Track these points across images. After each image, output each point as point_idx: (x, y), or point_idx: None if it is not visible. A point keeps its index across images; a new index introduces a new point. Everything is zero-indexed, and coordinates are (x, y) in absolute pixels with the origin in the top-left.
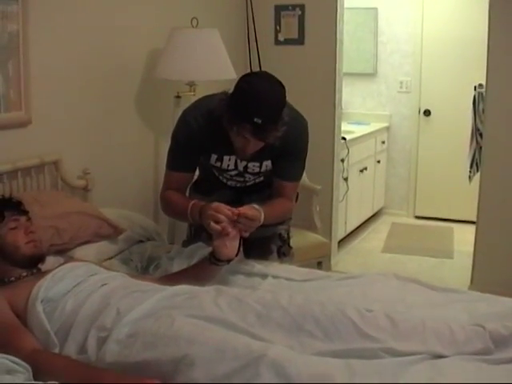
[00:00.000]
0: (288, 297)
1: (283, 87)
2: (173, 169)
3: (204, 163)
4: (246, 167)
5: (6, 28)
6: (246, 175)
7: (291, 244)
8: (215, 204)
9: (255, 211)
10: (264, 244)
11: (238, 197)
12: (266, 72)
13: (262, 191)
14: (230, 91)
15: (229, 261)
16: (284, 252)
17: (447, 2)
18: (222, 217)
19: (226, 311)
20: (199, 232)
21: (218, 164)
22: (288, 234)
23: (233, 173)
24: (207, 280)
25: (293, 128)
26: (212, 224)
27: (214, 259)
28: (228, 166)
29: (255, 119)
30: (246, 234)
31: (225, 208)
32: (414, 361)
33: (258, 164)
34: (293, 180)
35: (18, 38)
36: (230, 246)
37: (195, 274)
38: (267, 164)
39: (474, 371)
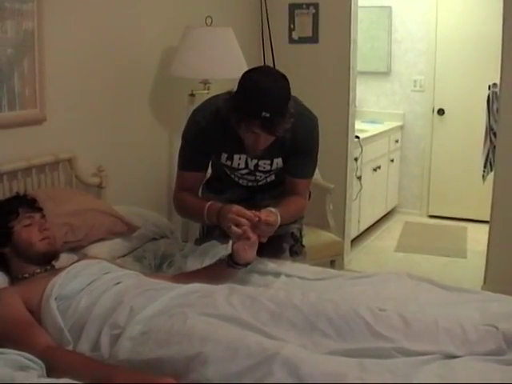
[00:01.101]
0: (301, 295)
1: (286, 80)
2: (184, 169)
3: (215, 162)
4: (256, 165)
5: (22, 26)
6: (257, 174)
7: (304, 243)
8: (236, 207)
9: (274, 216)
10: (276, 243)
11: (250, 195)
12: (267, 66)
13: (275, 189)
14: (234, 90)
15: (246, 264)
16: (296, 251)
17: (461, 1)
18: (243, 220)
19: (239, 309)
20: (212, 230)
21: (229, 163)
22: (300, 233)
23: (243, 171)
24: (222, 282)
25: (302, 124)
26: (233, 228)
27: (232, 262)
28: (238, 164)
29: (263, 113)
30: (264, 239)
31: (246, 211)
32: (426, 360)
33: (268, 162)
34: (305, 177)
35: (33, 36)
36: (249, 250)
37: (211, 275)
38: (278, 162)
39: (487, 371)
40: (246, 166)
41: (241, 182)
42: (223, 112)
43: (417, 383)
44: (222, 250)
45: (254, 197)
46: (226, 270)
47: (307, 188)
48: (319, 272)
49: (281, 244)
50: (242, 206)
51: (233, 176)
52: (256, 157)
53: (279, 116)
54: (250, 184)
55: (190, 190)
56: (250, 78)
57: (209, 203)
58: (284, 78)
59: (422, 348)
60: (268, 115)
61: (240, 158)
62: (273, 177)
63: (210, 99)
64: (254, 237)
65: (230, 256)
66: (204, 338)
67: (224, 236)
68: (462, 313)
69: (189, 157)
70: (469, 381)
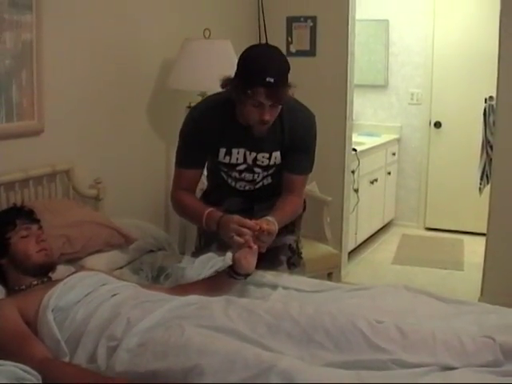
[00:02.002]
0: (298, 308)
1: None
2: (181, 166)
3: (212, 166)
4: (255, 159)
5: (20, 37)
6: (255, 169)
7: (302, 255)
8: (236, 217)
9: (272, 225)
10: (273, 255)
11: (248, 205)
12: (264, 43)
13: (272, 199)
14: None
15: (247, 275)
16: (294, 262)
17: (458, 15)
18: (245, 230)
19: (237, 322)
20: (209, 242)
21: (227, 159)
22: (297, 245)
23: (242, 167)
24: (220, 293)
25: (300, 121)
26: (236, 237)
27: (233, 272)
28: (237, 159)
29: (267, 79)
30: (263, 250)
31: (247, 220)
32: (423, 372)
33: (267, 155)
34: (301, 173)
35: (31, 47)
36: (250, 259)
37: (209, 287)
38: (276, 156)
39: (484, 383)
40: (245, 161)
41: (238, 186)
42: (221, 104)
43: None
44: (219, 261)
45: (251, 208)
46: (225, 281)
47: (303, 185)
48: (316, 284)
49: (278, 256)
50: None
51: (230, 180)
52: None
53: (282, 82)
54: (247, 188)
55: (188, 189)
56: (250, 50)
57: (208, 210)
58: (280, 50)
59: (420, 360)
60: (272, 80)
61: (238, 152)
62: (270, 179)
63: (206, 97)
64: (255, 246)
65: (231, 266)
66: (201, 350)
67: (221, 248)
68: (459, 325)
69: (186, 154)
70: None
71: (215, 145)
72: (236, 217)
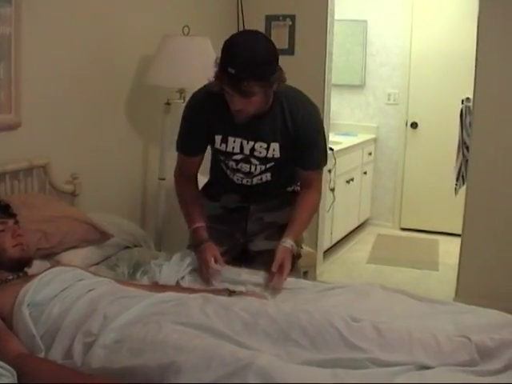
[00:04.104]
0: (275, 306)
1: (273, 45)
2: (181, 151)
3: (213, 156)
4: (252, 149)
5: None
6: (252, 160)
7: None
8: (214, 252)
9: (288, 261)
10: (266, 259)
11: (244, 202)
12: (257, 31)
13: (269, 201)
14: None
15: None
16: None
17: (436, 16)
18: (211, 269)
19: (213, 319)
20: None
21: (223, 147)
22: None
23: (238, 157)
24: None
25: (304, 112)
26: (200, 270)
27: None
28: (233, 148)
29: (229, 69)
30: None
31: (219, 260)
32: (400, 371)
33: (265, 145)
34: (314, 168)
35: (10, 41)
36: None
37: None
38: (275, 148)
39: (460, 382)
40: (241, 151)
41: (236, 178)
42: (220, 91)
43: None
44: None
45: (248, 207)
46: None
47: (319, 179)
48: (293, 282)
49: (271, 260)
50: (235, 218)
51: (228, 172)
52: (253, 138)
53: (246, 75)
54: (244, 181)
55: (188, 175)
56: (231, 37)
57: (196, 225)
58: (269, 42)
59: (396, 359)
60: (233, 71)
61: (235, 141)
62: (269, 176)
63: (208, 83)
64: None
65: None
66: (178, 347)
67: (228, 242)
68: (435, 324)
69: (184, 139)
70: None
71: (212, 131)
72: (214, 252)
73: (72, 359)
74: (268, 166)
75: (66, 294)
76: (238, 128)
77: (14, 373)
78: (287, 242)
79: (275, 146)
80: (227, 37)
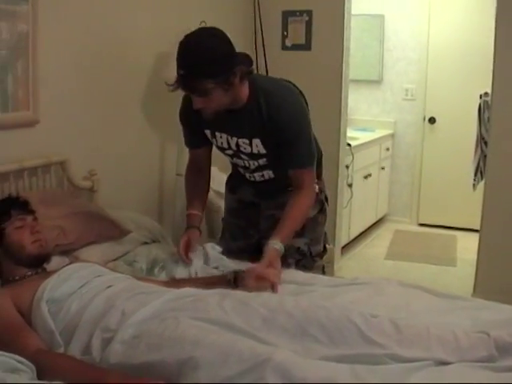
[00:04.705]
0: (293, 301)
1: (225, 41)
2: (186, 145)
3: None
4: (237, 145)
5: (16, 28)
6: (242, 156)
7: (318, 257)
8: (191, 235)
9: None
10: (281, 258)
11: (256, 199)
12: (210, 28)
13: (278, 198)
14: None
15: None
16: (305, 265)
17: (454, 10)
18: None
19: (231, 314)
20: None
21: (214, 142)
22: (309, 248)
23: (229, 152)
24: None
25: (280, 107)
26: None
27: (233, 283)
28: (222, 143)
29: (179, 70)
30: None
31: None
32: (417, 367)
33: (247, 141)
34: (303, 166)
35: (27, 38)
36: (256, 281)
37: (207, 287)
38: (257, 144)
39: (478, 378)
40: (229, 146)
41: (242, 172)
42: None
43: None
44: (218, 259)
45: (259, 203)
46: (221, 284)
47: (310, 179)
48: (311, 278)
49: (286, 259)
50: (249, 214)
51: (236, 167)
52: (235, 134)
53: (194, 75)
54: (247, 175)
55: (198, 165)
56: (185, 35)
57: (189, 211)
58: (224, 39)
59: (414, 354)
60: (182, 72)
61: (221, 137)
62: (271, 173)
63: None
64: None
65: (235, 275)
66: (196, 342)
67: (235, 238)
68: (453, 320)
69: (184, 134)
70: None
71: (201, 127)
72: (192, 235)
73: (91, 355)
74: (261, 162)
75: (84, 291)
76: (221, 124)
77: (34, 368)
78: (277, 244)
79: (257, 141)
80: (244, 32)
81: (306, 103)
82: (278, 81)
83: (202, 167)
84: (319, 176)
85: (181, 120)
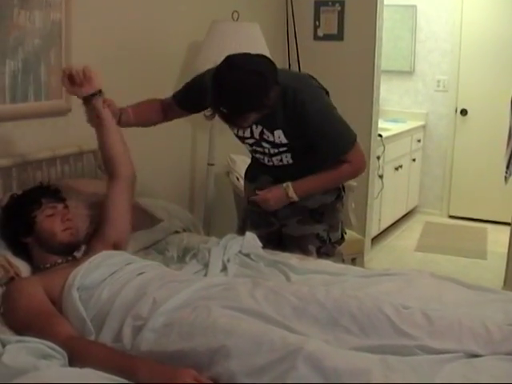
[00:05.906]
0: (325, 291)
1: (263, 66)
2: (174, 97)
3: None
4: (261, 134)
5: (49, 17)
6: (264, 144)
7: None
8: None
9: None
10: (302, 244)
11: (275, 185)
12: (246, 54)
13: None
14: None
15: None
16: (326, 252)
17: (487, 1)
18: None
19: (262, 303)
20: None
21: (235, 131)
22: (328, 235)
23: (250, 141)
24: None
25: (303, 101)
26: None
27: None
28: (244, 132)
29: (221, 108)
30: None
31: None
32: (449, 359)
33: (269, 133)
34: (341, 154)
35: (60, 27)
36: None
37: None
38: (279, 135)
39: (510, 371)
40: (252, 135)
41: (260, 158)
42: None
43: (440, 383)
44: (253, 247)
45: None
46: None
47: (352, 156)
48: (342, 269)
49: (306, 246)
50: None
51: (254, 153)
52: (261, 123)
53: (237, 113)
54: (266, 160)
55: (166, 110)
56: (219, 69)
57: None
58: (256, 73)
59: (445, 346)
60: (225, 111)
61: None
62: (290, 158)
63: None
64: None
65: None
66: (227, 331)
67: (257, 227)
68: (485, 312)
69: (183, 95)
70: (492, 380)
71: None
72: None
73: (122, 342)
74: (281, 149)
75: (115, 278)
76: None
77: (65, 355)
78: (287, 184)
79: (279, 132)
80: (276, 22)
81: (327, 92)
82: (299, 75)
83: (166, 114)
84: None
85: (190, 87)
